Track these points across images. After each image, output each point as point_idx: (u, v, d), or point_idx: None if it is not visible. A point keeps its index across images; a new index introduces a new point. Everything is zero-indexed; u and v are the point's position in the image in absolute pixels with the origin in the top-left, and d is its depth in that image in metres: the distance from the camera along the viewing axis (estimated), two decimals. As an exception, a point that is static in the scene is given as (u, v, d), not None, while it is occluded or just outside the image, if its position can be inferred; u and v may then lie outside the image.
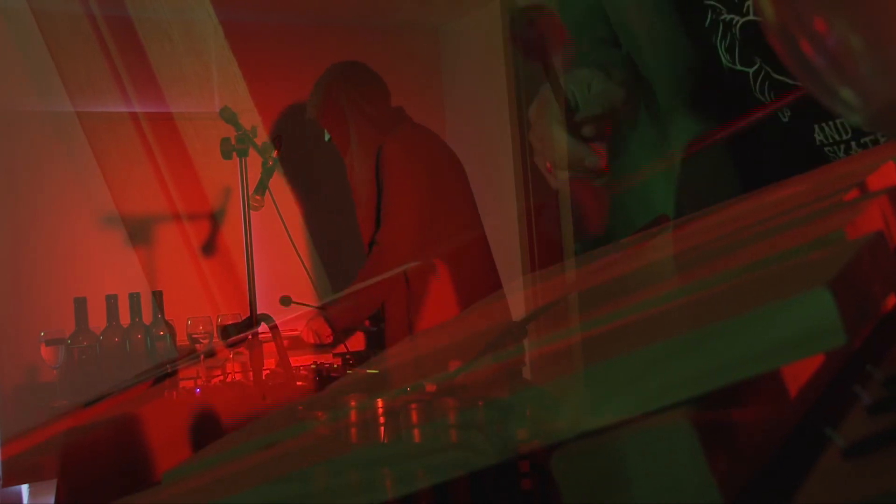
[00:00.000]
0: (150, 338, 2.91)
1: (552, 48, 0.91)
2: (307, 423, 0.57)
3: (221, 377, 2.88)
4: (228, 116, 2.74)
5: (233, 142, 2.70)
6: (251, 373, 2.65)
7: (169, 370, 0.80)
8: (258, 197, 2.73)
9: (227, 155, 2.71)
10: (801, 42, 0.35)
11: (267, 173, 2.78)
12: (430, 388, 1.52)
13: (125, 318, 2.93)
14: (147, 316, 2.96)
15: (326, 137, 3.12)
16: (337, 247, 3.82)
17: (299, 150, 3.70)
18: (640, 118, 1.16)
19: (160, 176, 3.58)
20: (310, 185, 3.89)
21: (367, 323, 3.07)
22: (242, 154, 2.70)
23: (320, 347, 2.97)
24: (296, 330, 3.05)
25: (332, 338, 2.93)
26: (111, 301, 2.93)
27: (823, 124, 1.06)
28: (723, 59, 1.12)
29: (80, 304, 2.95)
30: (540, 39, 0.90)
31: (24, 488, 3.19)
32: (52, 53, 3.37)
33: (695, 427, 0.37)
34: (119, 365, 2.88)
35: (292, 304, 2.72)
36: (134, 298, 2.93)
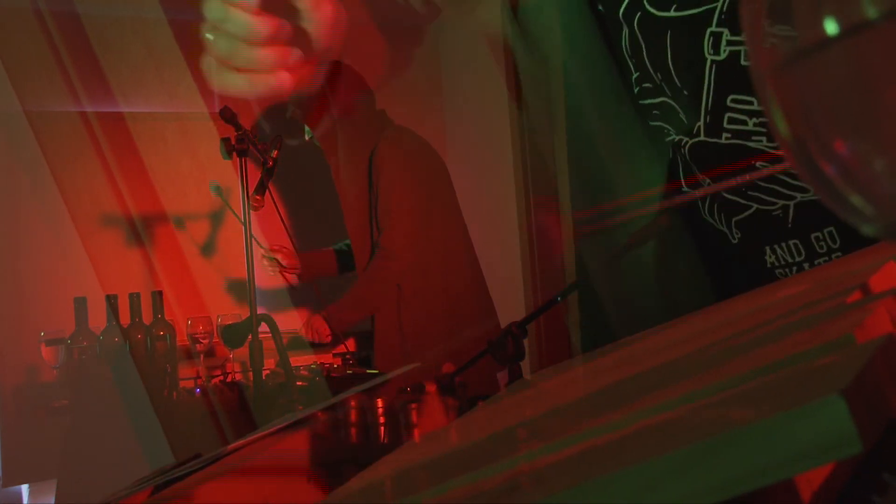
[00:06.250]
0: (150, 338, 2.92)
1: None
2: None
3: (221, 377, 2.89)
4: (228, 117, 2.74)
5: (233, 142, 2.71)
6: (251, 373, 2.66)
7: (173, 476, 0.79)
8: (258, 197, 2.74)
9: (227, 155, 2.71)
10: (816, 155, 0.35)
11: (267, 173, 2.78)
12: (431, 387, 1.52)
13: (125, 318, 2.94)
14: (147, 316, 2.96)
15: (307, 136, 3.10)
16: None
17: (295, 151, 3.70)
18: None
19: (161, 176, 3.58)
20: (304, 185, 3.89)
21: None
22: (242, 154, 2.70)
23: (319, 346, 2.98)
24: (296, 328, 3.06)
25: (330, 337, 2.94)
26: (111, 301, 2.94)
27: (775, 245, 1.06)
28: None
29: (80, 304, 2.95)
30: None
31: (24, 488, 3.19)
32: None
33: None
34: (119, 365, 2.89)
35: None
36: (134, 298, 2.93)
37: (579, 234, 1.25)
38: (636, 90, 1.10)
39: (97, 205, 3.51)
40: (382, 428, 1.20)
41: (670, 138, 1.08)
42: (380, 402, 1.21)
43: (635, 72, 1.09)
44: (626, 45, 1.08)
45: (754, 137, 1.00)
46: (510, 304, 3.20)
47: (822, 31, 0.31)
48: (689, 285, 1.16)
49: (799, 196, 1.01)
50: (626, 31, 1.08)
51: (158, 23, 3.60)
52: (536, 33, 1.28)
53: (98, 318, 2.95)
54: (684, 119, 1.05)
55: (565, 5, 1.18)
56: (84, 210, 3.48)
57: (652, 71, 1.06)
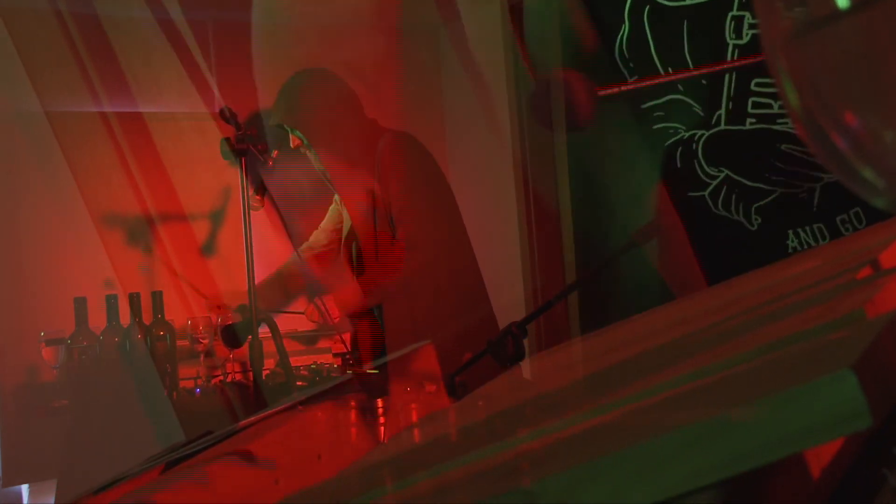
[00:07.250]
0: (150, 338, 2.91)
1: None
2: None
3: (221, 377, 2.88)
4: (228, 117, 2.73)
5: (233, 141, 2.70)
6: (251, 373, 2.65)
7: (186, 452, 0.78)
8: (258, 197, 2.73)
9: (227, 155, 2.71)
10: (827, 127, 0.35)
11: (267, 174, 2.78)
12: (431, 387, 1.51)
13: (125, 318, 2.94)
14: (147, 316, 2.96)
15: (293, 144, 3.03)
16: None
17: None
18: None
19: (162, 176, 3.58)
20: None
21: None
22: (242, 154, 2.70)
23: (322, 327, 2.98)
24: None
25: (336, 319, 2.94)
26: (111, 301, 2.93)
27: (799, 230, 1.05)
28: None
29: (80, 304, 2.95)
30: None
31: (24, 488, 3.18)
32: (19, 51, 3.34)
33: None
34: (119, 365, 2.88)
35: None
36: (134, 298, 2.93)
37: (579, 235, 1.25)
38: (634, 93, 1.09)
39: (115, 203, 3.51)
40: (382, 428, 1.19)
41: (678, 136, 1.08)
42: (380, 403, 1.21)
43: (632, 76, 1.08)
44: (623, 47, 1.08)
45: (779, 121, 1.00)
46: (510, 304, 3.19)
47: (834, 3, 0.30)
48: (691, 282, 1.16)
49: (825, 178, 1.00)
50: (625, 29, 1.07)
51: (179, 24, 3.61)
52: (536, 37, 1.27)
53: (98, 318, 2.94)
54: (699, 112, 1.05)
55: (565, 9, 1.17)
56: (102, 209, 3.48)
57: (660, 68, 1.05)
